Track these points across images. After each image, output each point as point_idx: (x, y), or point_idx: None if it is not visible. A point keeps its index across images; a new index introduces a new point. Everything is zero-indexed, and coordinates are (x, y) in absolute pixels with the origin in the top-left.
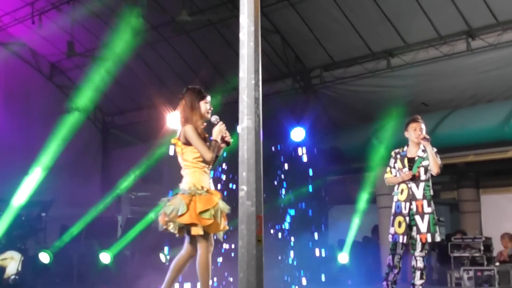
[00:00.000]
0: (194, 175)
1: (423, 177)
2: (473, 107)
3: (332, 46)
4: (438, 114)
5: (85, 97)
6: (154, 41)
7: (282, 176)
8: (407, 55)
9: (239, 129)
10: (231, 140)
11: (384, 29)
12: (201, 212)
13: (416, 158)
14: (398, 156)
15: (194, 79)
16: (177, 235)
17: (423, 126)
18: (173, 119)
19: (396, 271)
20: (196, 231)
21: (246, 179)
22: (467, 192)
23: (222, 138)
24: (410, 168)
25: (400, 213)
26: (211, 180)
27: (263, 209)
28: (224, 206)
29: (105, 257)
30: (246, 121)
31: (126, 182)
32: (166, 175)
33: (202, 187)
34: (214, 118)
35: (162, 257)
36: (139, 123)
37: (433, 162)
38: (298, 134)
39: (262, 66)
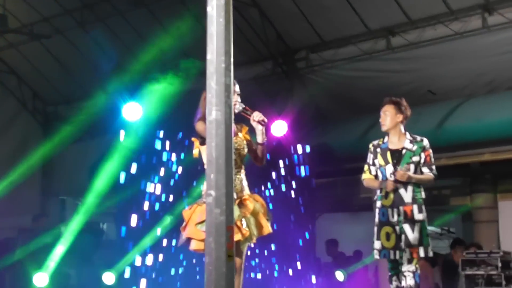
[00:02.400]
0: None
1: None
2: (489, 96)
3: (321, 22)
4: (447, 104)
5: (22, 82)
6: (106, 15)
7: (259, 179)
8: (411, 33)
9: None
10: (265, 120)
11: (384, 3)
12: (197, 224)
13: (404, 151)
14: (378, 149)
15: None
16: (189, 249)
17: (390, 110)
18: (130, 110)
19: None
20: (194, 246)
21: (214, 182)
22: (483, 198)
23: (254, 120)
24: (396, 164)
25: (387, 222)
26: (244, 183)
27: (235, 215)
28: (236, 214)
29: (41, 279)
30: (215, 112)
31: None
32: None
33: None
34: (238, 105)
35: (109, 278)
36: (88, 115)
37: (424, 181)
38: (279, 128)
39: (236, 46)
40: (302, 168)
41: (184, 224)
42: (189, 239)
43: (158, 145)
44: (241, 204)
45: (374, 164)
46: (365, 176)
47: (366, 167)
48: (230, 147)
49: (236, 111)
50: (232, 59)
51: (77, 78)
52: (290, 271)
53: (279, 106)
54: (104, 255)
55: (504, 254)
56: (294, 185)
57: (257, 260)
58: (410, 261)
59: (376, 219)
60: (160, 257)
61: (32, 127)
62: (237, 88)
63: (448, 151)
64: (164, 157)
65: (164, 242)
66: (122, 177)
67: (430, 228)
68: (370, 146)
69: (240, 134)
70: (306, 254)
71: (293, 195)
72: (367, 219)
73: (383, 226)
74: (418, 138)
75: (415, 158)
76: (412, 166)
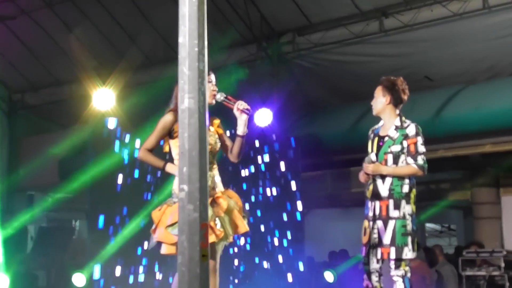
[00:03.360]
0: (176, 177)
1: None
2: (491, 82)
3: (308, 3)
4: (445, 91)
5: None
6: None
7: (241, 172)
8: (405, 14)
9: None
10: (249, 108)
11: None
12: (168, 227)
13: (386, 139)
14: (372, 135)
15: (130, 47)
16: (161, 253)
17: (377, 91)
18: (101, 97)
19: None
20: (166, 250)
21: (187, 176)
22: (484, 193)
23: (238, 109)
24: (377, 153)
25: (366, 216)
26: (217, 180)
27: (209, 215)
28: (210, 214)
29: (1, 281)
30: (187, 100)
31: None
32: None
33: None
34: (219, 95)
35: (79, 279)
36: (57, 102)
37: (401, 174)
38: (263, 117)
39: (215, 28)
40: (288, 160)
41: (154, 226)
42: (160, 243)
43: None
44: (214, 202)
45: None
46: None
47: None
48: (204, 137)
49: (218, 100)
50: (206, 43)
51: (45, 63)
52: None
53: (263, 94)
54: (75, 255)
55: (507, 253)
56: (279, 179)
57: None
58: (397, 265)
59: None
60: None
61: None
62: (213, 77)
63: (446, 142)
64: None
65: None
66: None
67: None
68: (369, 132)
69: (211, 128)
70: (295, 253)
71: (277, 190)
72: (359, 215)
73: (364, 219)
74: (407, 123)
75: (395, 148)
76: (390, 156)
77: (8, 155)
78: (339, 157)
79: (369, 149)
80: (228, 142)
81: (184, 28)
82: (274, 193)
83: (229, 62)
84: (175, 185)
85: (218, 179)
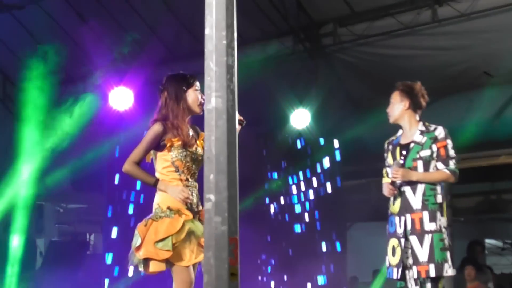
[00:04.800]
0: (160, 192)
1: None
2: None
3: None
4: (507, 88)
5: None
6: None
7: (274, 181)
8: (462, 2)
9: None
10: (242, 119)
11: None
12: (157, 242)
13: (412, 145)
14: (390, 146)
15: (150, 38)
16: (142, 272)
17: (394, 97)
18: (118, 96)
19: None
20: (154, 267)
21: (214, 184)
22: None
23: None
24: (404, 162)
25: (394, 234)
26: (194, 195)
27: (238, 228)
28: (200, 229)
29: None
30: (214, 99)
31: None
32: (108, 179)
33: (169, 208)
34: None
35: None
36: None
37: (433, 180)
38: (300, 118)
39: (246, 19)
40: (328, 167)
41: (139, 243)
42: (146, 260)
43: None
44: (200, 220)
45: (389, 166)
46: (384, 180)
47: (384, 170)
48: (233, 141)
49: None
50: (235, 34)
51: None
52: None
53: (300, 92)
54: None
55: None
56: (317, 188)
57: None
58: (434, 283)
59: (387, 230)
60: None
61: (2, 117)
62: (198, 84)
63: (508, 147)
64: None
65: None
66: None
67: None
68: (385, 144)
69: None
70: (336, 271)
71: (315, 201)
72: None
73: (391, 238)
74: (432, 127)
75: (424, 153)
76: (420, 163)
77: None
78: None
79: (390, 161)
80: None
81: (211, 18)
82: (311, 203)
83: (261, 57)
84: (158, 199)
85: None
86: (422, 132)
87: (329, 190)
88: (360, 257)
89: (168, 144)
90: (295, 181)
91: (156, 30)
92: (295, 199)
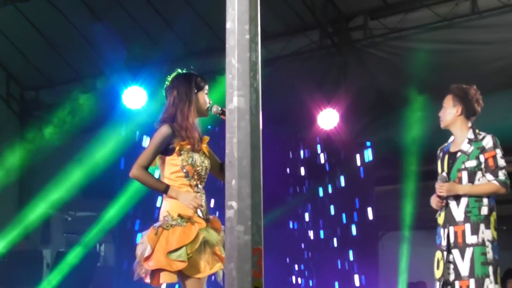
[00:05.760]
0: (169, 199)
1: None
2: None
3: None
4: None
5: None
6: None
7: (301, 186)
8: None
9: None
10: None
11: None
12: (170, 252)
13: (459, 154)
14: (441, 154)
15: (167, 34)
16: (151, 284)
17: (447, 101)
18: (132, 95)
19: None
20: (165, 278)
21: (236, 190)
22: None
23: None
24: (449, 172)
25: (439, 246)
26: (204, 202)
27: (263, 238)
28: (215, 238)
29: None
30: (237, 99)
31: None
32: (119, 186)
33: (180, 216)
34: (216, 109)
35: None
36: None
37: (481, 193)
38: (328, 119)
39: (271, 11)
40: (359, 171)
41: (148, 252)
42: (155, 271)
43: None
44: (211, 228)
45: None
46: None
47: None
48: (257, 144)
49: (214, 114)
50: (259, 28)
51: (64, 54)
52: None
53: (328, 90)
54: (100, 285)
55: None
56: (347, 194)
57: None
58: None
59: (435, 241)
60: None
61: (6, 118)
62: (207, 88)
63: None
64: None
65: None
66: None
67: None
68: (438, 150)
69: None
70: (367, 283)
71: (345, 207)
72: None
73: (437, 250)
74: (481, 135)
75: (470, 163)
76: (464, 174)
77: (20, 166)
78: (421, 168)
79: (439, 170)
80: (217, 160)
81: (233, 11)
82: (341, 210)
83: (286, 52)
84: (167, 206)
85: None
86: (470, 141)
87: (360, 196)
88: (393, 269)
89: (177, 148)
90: (323, 187)
91: (173, 24)
92: (323, 206)
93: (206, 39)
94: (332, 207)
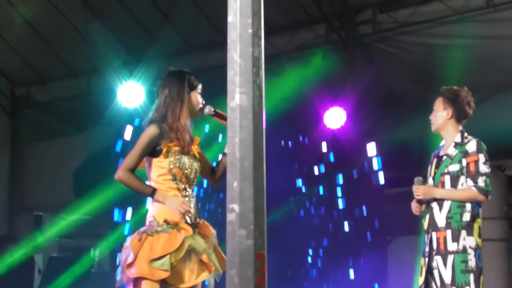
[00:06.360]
0: (156, 203)
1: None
2: None
3: None
4: None
5: None
6: None
7: (305, 189)
8: None
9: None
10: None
11: None
12: (153, 260)
13: (444, 158)
14: (432, 159)
15: (164, 28)
16: None
17: (437, 104)
18: (128, 92)
19: None
20: (147, 287)
21: (238, 192)
22: None
23: (218, 114)
24: (434, 175)
25: (423, 252)
26: (193, 206)
27: (266, 243)
28: (201, 246)
29: None
30: (239, 96)
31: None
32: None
33: (166, 221)
34: (208, 110)
35: None
36: (72, 99)
37: (457, 198)
38: (334, 118)
39: (274, 4)
40: (367, 173)
41: (131, 259)
42: (137, 279)
43: None
44: (199, 233)
45: None
46: None
47: None
48: (260, 144)
49: (207, 115)
50: (262, 22)
51: (56, 49)
52: None
53: (334, 87)
54: None
55: None
56: (355, 197)
57: None
58: None
59: None
60: None
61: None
62: (200, 87)
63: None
64: None
65: None
66: None
67: None
68: (431, 156)
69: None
70: None
71: (353, 211)
72: None
73: (421, 256)
74: (467, 139)
75: (453, 167)
76: (447, 178)
77: (10, 165)
78: None
79: (427, 174)
80: (208, 163)
81: (235, 3)
82: (347, 214)
83: (291, 47)
84: (154, 211)
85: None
86: (456, 145)
87: (367, 199)
88: (402, 275)
89: (164, 150)
90: (329, 189)
91: (171, 17)
92: (328, 209)
93: (206, 33)
94: (338, 211)
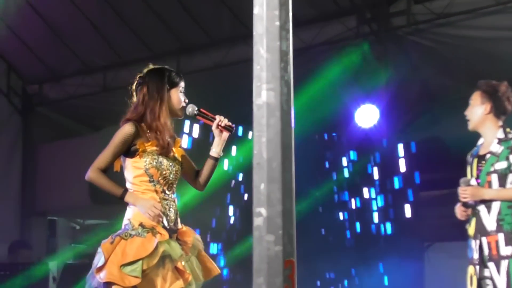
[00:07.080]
0: (134, 205)
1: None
2: None
3: None
4: None
5: None
6: None
7: (338, 190)
8: None
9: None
10: (232, 125)
11: None
12: (124, 265)
13: (488, 156)
14: (471, 159)
15: (185, 21)
16: None
17: (475, 98)
18: None
19: None
20: None
21: (265, 195)
22: None
23: (219, 126)
24: (479, 175)
25: (471, 260)
26: (172, 210)
27: (295, 249)
28: (177, 253)
29: None
30: (266, 92)
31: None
32: None
33: (141, 225)
34: (191, 109)
35: None
36: (87, 96)
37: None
38: (367, 116)
39: None
40: (401, 174)
41: (102, 262)
42: (107, 284)
43: None
44: (179, 239)
45: None
46: None
47: None
48: (289, 144)
49: (190, 114)
50: (290, 14)
51: (71, 43)
52: None
53: (366, 83)
54: None
55: None
56: (390, 200)
57: None
58: None
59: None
60: None
61: (7, 114)
62: (183, 85)
63: None
64: None
65: None
66: None
67: None
68: (468, 156)
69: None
70: None
71: (387, 215)
72: None
73: (469, 264)
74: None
75: (500, 165)
76: (494, 177)
77: (22, 167)
78: None
79: (468, 175)
80: (192, 166)
81: None
82: (382, 219)
83: (320, 41)
84: (129, 214)
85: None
86: (500, 141)
87: (402, 202)
88: (440, 283)
89: (140, 149)
90: (361, 191)
91: (191, 9)
92: (361, 213)
93: (229, 25)
94: (372, 214)
